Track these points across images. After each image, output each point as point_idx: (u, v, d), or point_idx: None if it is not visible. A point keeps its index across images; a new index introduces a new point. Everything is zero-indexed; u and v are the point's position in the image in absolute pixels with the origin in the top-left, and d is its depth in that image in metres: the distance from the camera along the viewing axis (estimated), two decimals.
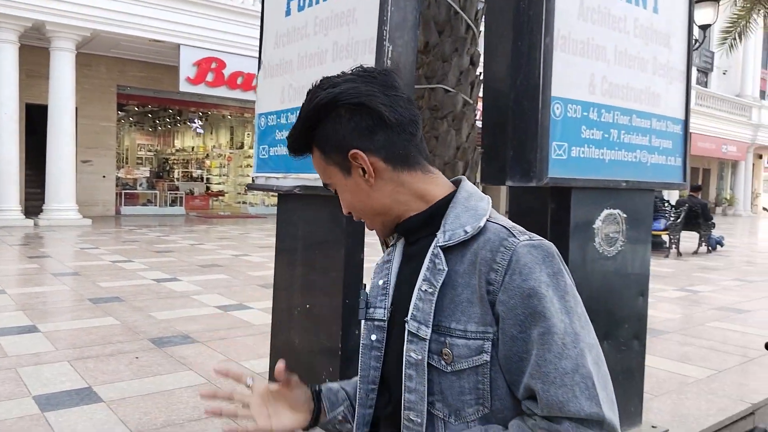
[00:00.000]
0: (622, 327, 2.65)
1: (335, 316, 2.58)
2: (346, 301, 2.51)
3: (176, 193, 19.45)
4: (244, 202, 20.86)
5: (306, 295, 2.78)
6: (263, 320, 4.82)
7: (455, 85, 2.87)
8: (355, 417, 1.01)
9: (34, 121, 14.60)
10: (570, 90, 2.19)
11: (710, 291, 7.37)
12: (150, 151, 25.97)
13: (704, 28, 11.08)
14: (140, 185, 19.52)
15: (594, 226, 2.41)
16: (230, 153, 23.93)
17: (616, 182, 2.40)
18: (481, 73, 2.81)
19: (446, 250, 0.92)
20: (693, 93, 24.07)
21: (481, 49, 2.81)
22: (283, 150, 2.90)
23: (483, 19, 2.94)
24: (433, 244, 0.93)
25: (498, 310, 0.86)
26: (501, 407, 0.88)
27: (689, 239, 12.66)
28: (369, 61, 2.41)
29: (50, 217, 12.59)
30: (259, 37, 3.12)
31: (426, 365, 0.89)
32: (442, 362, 0.89)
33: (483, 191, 1.02)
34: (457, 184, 1.01)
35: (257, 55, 3.14)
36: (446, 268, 0.90)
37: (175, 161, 26.12)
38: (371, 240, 2.76)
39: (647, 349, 2.84)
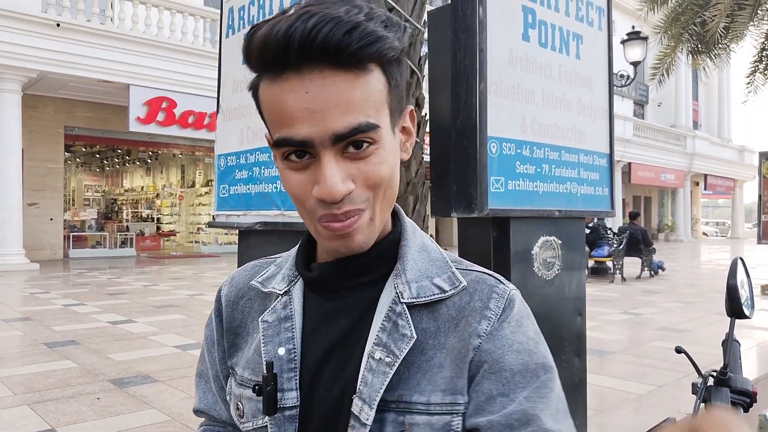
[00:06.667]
0: (563, 346, 2.86)
1: None
2: None
3: (126, 234, 19.11)
4: (197, 242, 20.64)
5: None
6: None
7: None
8: None
9: None
10: (504, 130, 2.44)
11: (652, 313, 7.76)
12: (98, 191, 25.50)
13: (635, 64, 11.84)
14: (89, 227, 19.10)
15: (532, 252, 2.64)
16: (181, 192, 23.70)
17: (549, 212, 2.65)
18: (426, 113, 3.05)
19: (411, 307, 0.68)
20: (631, 125, 25.40)
21: (425, 92, 3.06)
22: (243, 188, 3.05)
23: (426, 65, 3.19)
24: (390, 299, 0.69)
25: (479, 360, 0.66)
26: None
27: (632, 265, 13.23)
28: None
29: None
30: (217, 82, 3.29)
31: None
32: None
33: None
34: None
35: (208, 94, 3.32)
36: (415, 336, 0.67)
37: (124, 201, 25.69)
38: None
39: (594, 369, 3.04)
